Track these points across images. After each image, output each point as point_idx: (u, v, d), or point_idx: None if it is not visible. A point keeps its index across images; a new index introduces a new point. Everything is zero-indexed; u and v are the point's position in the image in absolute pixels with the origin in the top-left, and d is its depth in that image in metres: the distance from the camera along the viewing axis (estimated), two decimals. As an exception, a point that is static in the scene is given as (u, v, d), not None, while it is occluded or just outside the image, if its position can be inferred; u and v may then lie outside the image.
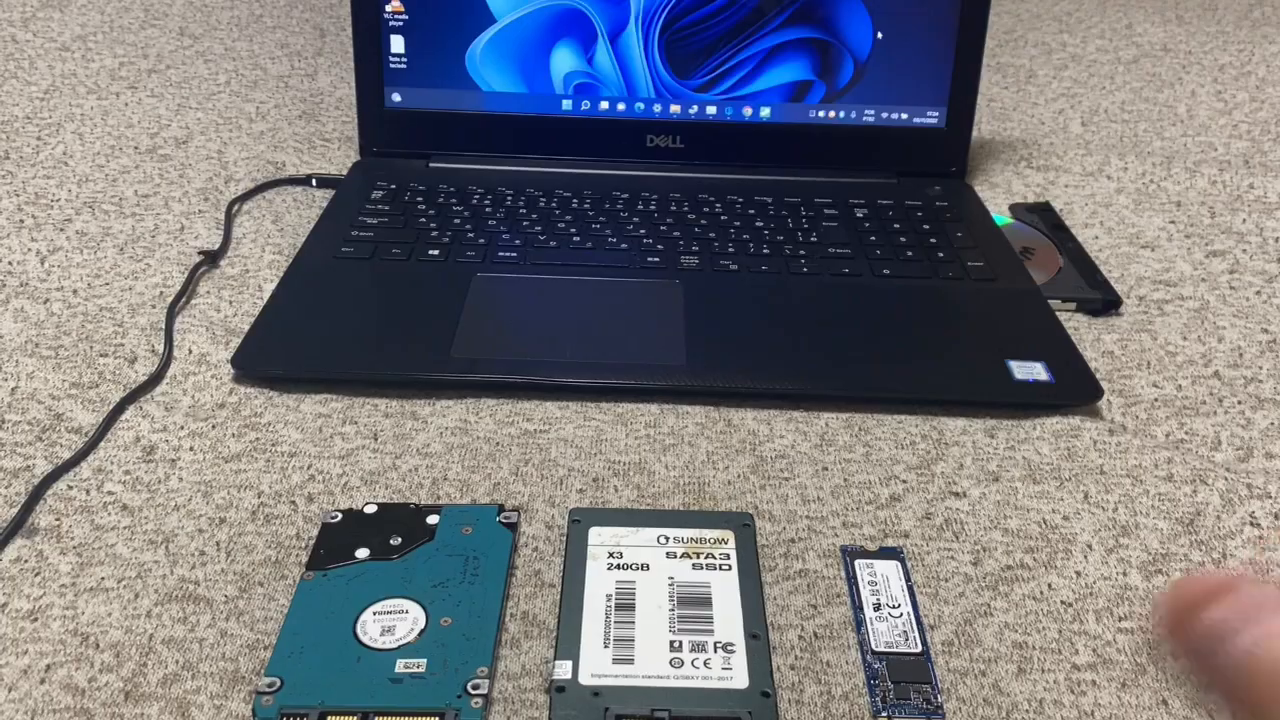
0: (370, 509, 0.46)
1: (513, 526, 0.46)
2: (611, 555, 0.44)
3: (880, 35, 0.74)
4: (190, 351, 0.57)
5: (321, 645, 0.39)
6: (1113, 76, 1.00)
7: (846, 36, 0.74)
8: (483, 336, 0.57)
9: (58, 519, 0.46)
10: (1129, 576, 0.45)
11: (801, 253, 0.66)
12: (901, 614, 0.42)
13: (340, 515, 0.46)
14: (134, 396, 0.53)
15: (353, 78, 0.75)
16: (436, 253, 0.65)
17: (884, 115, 0.76)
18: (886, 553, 0.45)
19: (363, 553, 0.44)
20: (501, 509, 0.46)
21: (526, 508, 0.48)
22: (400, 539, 0.44)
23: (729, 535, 0.45)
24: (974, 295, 0.63)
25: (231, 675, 0.39)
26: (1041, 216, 0.74)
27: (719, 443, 0.52)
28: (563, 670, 0.39)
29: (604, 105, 0.76)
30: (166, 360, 0.56)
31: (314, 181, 0.76)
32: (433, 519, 0.46)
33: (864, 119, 0.76)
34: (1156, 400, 0.56)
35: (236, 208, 0.72)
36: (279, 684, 0.38)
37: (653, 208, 0.71)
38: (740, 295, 0.62)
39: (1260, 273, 0.68)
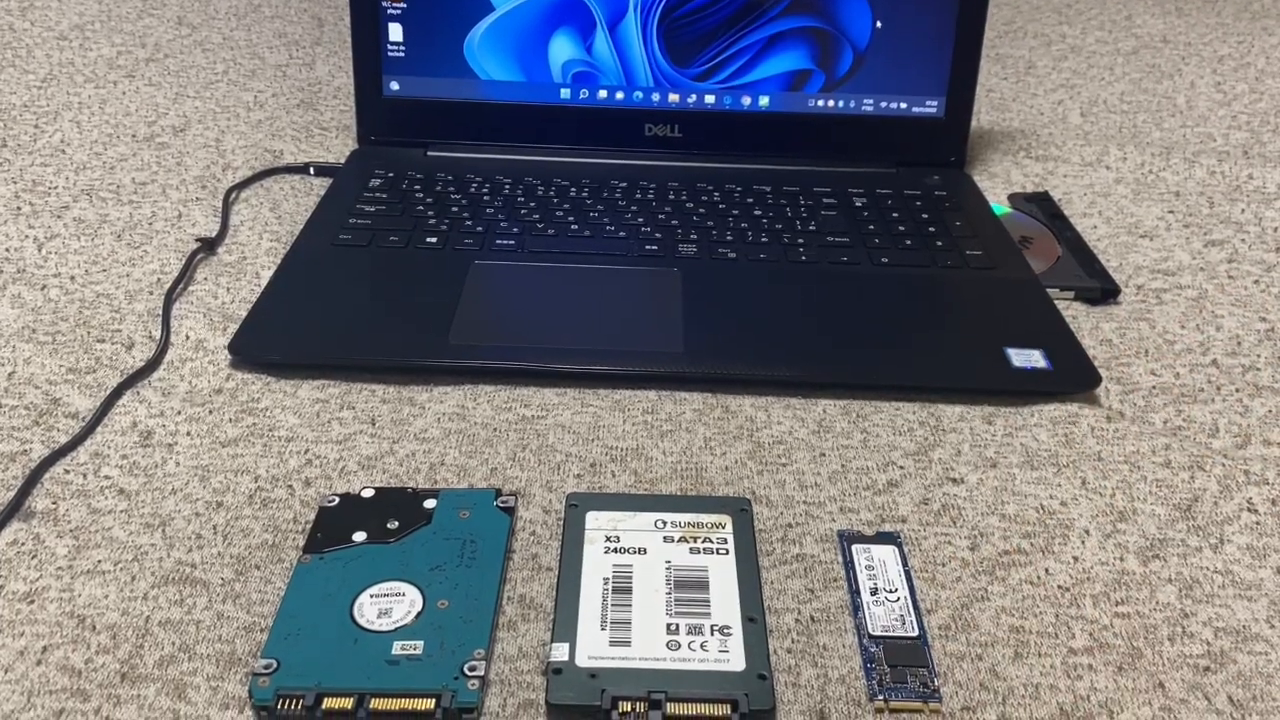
0: (367, 493, 0.46)
1: (510, 510, 0.46)
2: (609, 539, 0.44)
3: (880, 24, 0.74)
4: (187, 338, 0.57)
5: (318, 627, 0.39)
6: (1112, 67, 1.00)
7: (846, 25, 0.74)
8: (481, 323, 0.57)
9: (54, 502, 0.46)
10: (1126, 562, 0.45)
11: (800, 241, 0.66)
12: (898, 598, 0.42)
13: (337, 499, 0.46)
14: (131, 382, 0.53)
15: (350, 66, 0.75)
16: (434, 240, 0.65)
17: (883, 105, 0.76)
18: (884, 538, 0.45)
19: (360, 536, 0.44)
20: (499, 493, 0.46)
21: (524, 492, 0.48)
22: (397, 523, 0.44)
23: (726, 520, 0.45)
24: (972, 284, 0.63)
25: (228, 657, 0.39)
26: (1040, 206, 0.74)
27: (716, 429, 0.52)
28: (560, 652, 0.39)
29: (602, 94, 0.75)
30: (164, 346, 0.56)
31: (312, 170, 0.75)
32: (430, 503, 0.46)
33: (863, 108, 0.76)
34: (1154, 388, 0.56)
35: (234, 195, 0.71)
36: (275, 665, 0.38)
37: (651, 196, 0.71)
38: (738, 283, 0.62)
39: (1258, 262, 0.68)
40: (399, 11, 0.73)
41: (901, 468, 0.50)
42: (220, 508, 0.46)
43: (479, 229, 0.66)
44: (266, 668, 0.38)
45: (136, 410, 0.52)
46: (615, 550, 0.44)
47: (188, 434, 0.50)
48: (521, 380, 0.55)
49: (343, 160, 0.76)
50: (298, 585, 0.41)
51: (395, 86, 0.75)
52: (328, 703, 0.37)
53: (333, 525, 0.44)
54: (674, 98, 0.75)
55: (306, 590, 0.41)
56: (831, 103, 0.76)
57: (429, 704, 0.37)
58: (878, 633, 0.41)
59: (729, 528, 0.45)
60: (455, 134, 0.76)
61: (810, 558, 0.45)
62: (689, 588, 0.42)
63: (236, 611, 0.41)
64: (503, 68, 0.75)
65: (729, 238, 0.66)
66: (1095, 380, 0.55)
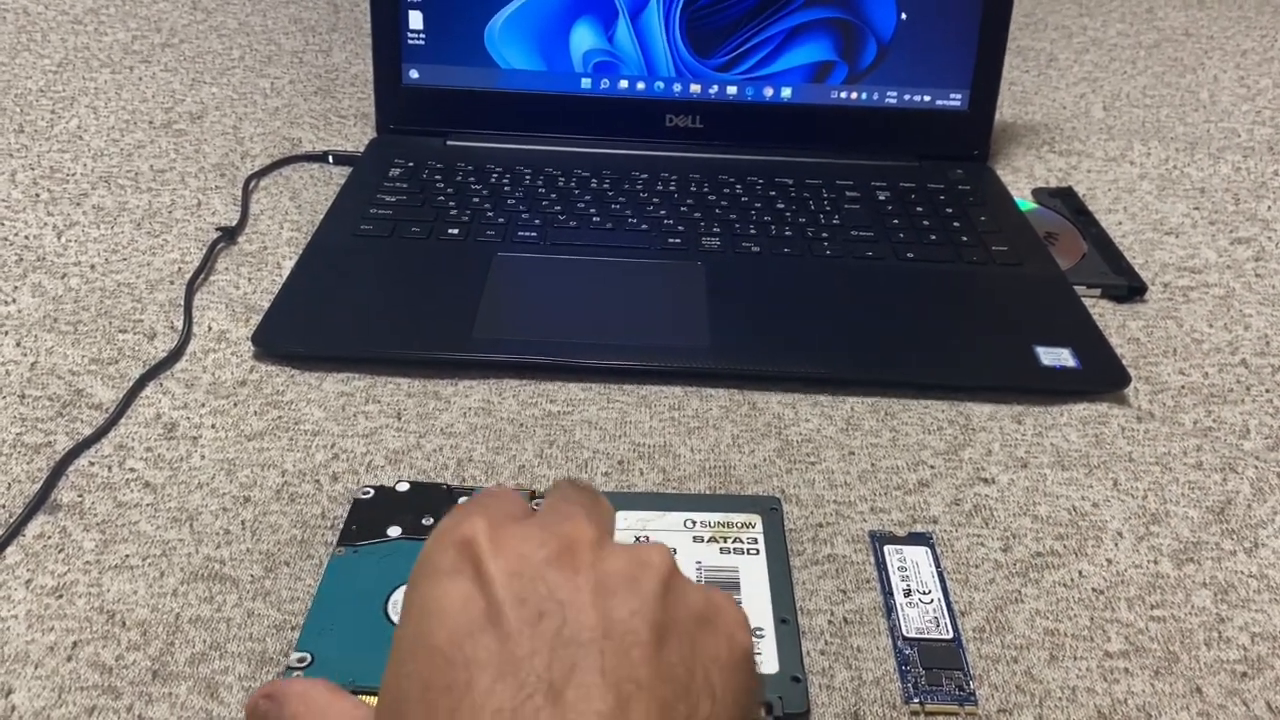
0: (402, 487, 0.46)
1: None
2: (638, 539, 0.44)
3: (904, 16, 0.73)
4: (210, 328, 0.56)
5: (352, 623, 0.39)
6: (1134, 61, 0.99)
7: (870, 17, 0.73)
8: (504, 317, 0.57)
9: (80, 495, 0.46)
10: (1160, 565, 0.44)
11: (824, 235, 0.66)
12: (932, 600, 0.42)
13: (373, 492, 0.45)
14: (154, 373, 0.53)
15: (368, 54, 0.75)
16: (456, 232, 0.64)
17: (906, 97, 0.75)
18: (916, 538, 0.45)
19: (394, 531, 0.43)
20: (534, 495, 0.46)
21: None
22: (432, 519, 0.44)
23: (756, 519, 0.45)
24: (999, 280, 0.62)
25: (260, 656, 0.39)
26: (1064, 201, 0.74)
27: (744, 426, 0.52)
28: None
29: (623, 84, 0.75)
30: (186, 337, 0.56)
31: (331, 158, 0.75)
32: (464, 501, 0.45)
33: (886, 101, 0.75)
34: (1184, 388, 0.56)
35: (253, 184, 0.71)
36: (309, 660, 0.37)
37: (672, 188, 0.70)
38: (763, 277, 0.62)
39: (1286, 260, 0.68)
40: (419, -1, 0.73)
41: (932, 467, 0.49)
42: (248, 503, 0.46)
43: (500, 220, 0.66)
44: (300, 661, 0.37)
45: (160, 402, 0.51)
46: (646, 549, 0.43)
47: (212, 426, 0.50)
48: (547, 375, 0.54)
49: (361, 149, 0.75)
50: (331, 578, 0.41)
51: (415, 75, 0.75)
52: None
53: (367, 518, 0.44)
54: (695, 88, 0.75)
55: (340, 583, 0.41)
56: (854, 95, 0.75)
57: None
58: (912, 635, 0.41)
59: (759, 527, 0.45)
60: (475, 123, 0.75)
61: (842, 558, 0.44)
62: (720, 588, 0.42)
63: (267, 609, 0.41)
64: (523, 57, 0.74)
65: (752, 231, 0.66)
66: (1124, 380, 0.54)
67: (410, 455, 0.49)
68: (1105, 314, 0.62)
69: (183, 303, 0.58)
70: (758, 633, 0.40)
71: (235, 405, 0.51)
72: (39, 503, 0.45)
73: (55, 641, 0.39)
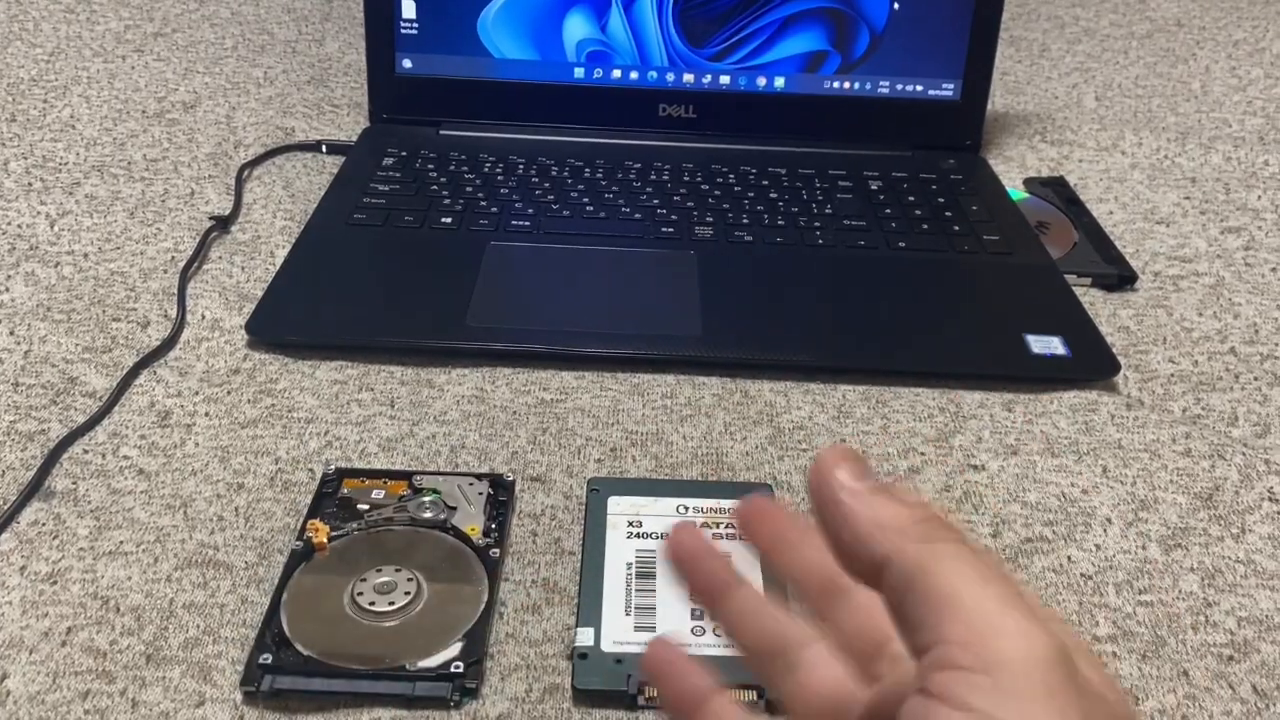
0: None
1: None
2: (631, 524, 0.44)
3: (897, 6, 0.73)
4: (203, 317, 0.57)
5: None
6: (1126, 51, 1.00)
7: (863, 6, 0.73)
8: (498, 305, 0.57)
9: (74, 482, 0.46)
10: (1148, 550, 0.45)
11: (816, 224, 0.66)
12: (922, 585, 0.42)
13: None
14: (147, 361, 0.53)
15: (361, 43, 0.74)
16: (449, 221, 0.64)
17: (899, 87, 0.75)
18: (906, 524, 0.45)
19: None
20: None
21: (545, 477, 0.47)
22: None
23: (748, 505, 0.45)
24: (990, 269, 0.63)
25: (253, 641, 0.39)
26: (1056, 191, 0.74)
27: (736, 414, 0.52)
28: (585, 637, 0.39)
29: (616, 74, 0.75)
30: (179, 325, 0.56)
31: (324, 148, 0.75)
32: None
33: (879, 90, 0.75)
34: (1173, 376, 0.56)
35: (246, 173, 0.71)
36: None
37: (665, 178, 0.71)
38: (755, 266, 0.62)
39: (1276, 250, 0.68)
40: (412, -12, 0.72)
41: (922, 454, 0.50)
42: (241, 490, 0.46)
43: (494, 209, 0.66)
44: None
45: (154, 390, 0.51)
46: (638, 535, 0.44)
47: (206, 414, 0.50)
48: (540, 363, 0.54)
49: (354, 138, 0.75)
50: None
51: (408, 64, 0.74)
52: None
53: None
54: (689, 78, 0.75)
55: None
56: (847, 84, 0.75)
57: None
58: (902, 620, 0.41)
59: (751, 513, 0.45)
60: (468, 113, 0.75)
61: (833, 544, 0.45)
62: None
63: (260, 595, 0.41)
64: (517, 46, 0.74)
65: (745, 220, 0.66)
66: (1114, 368, 0.55)
67: (403, 443, 0.49)
68: (1096, 303, 0.62)
69: (176, 291, 0.58)
70: (749, 617, 0.40)
71: (229, 393, 0.51)
72: (33, 490, 0.45)
73: (50, 627, 0.39)
